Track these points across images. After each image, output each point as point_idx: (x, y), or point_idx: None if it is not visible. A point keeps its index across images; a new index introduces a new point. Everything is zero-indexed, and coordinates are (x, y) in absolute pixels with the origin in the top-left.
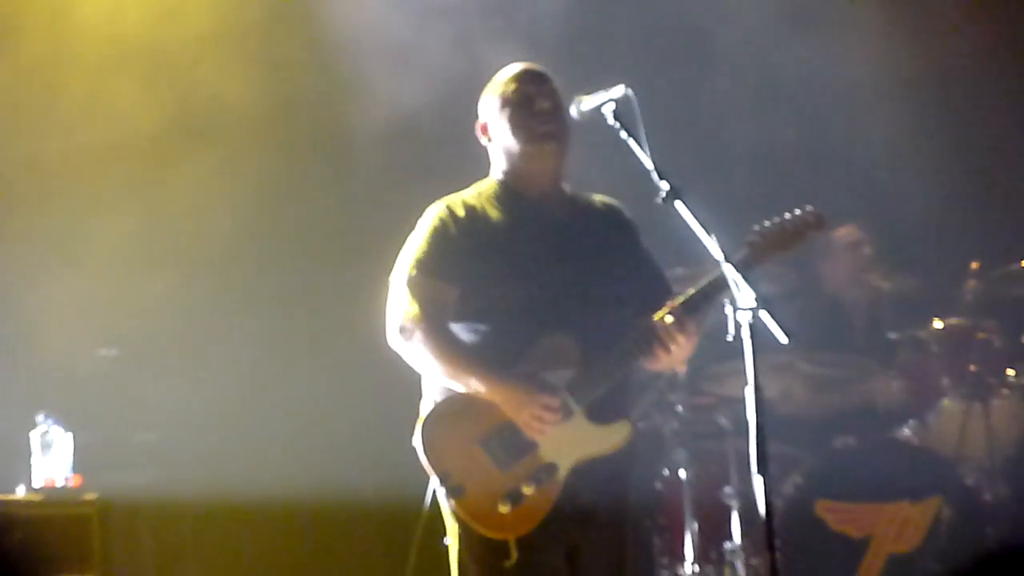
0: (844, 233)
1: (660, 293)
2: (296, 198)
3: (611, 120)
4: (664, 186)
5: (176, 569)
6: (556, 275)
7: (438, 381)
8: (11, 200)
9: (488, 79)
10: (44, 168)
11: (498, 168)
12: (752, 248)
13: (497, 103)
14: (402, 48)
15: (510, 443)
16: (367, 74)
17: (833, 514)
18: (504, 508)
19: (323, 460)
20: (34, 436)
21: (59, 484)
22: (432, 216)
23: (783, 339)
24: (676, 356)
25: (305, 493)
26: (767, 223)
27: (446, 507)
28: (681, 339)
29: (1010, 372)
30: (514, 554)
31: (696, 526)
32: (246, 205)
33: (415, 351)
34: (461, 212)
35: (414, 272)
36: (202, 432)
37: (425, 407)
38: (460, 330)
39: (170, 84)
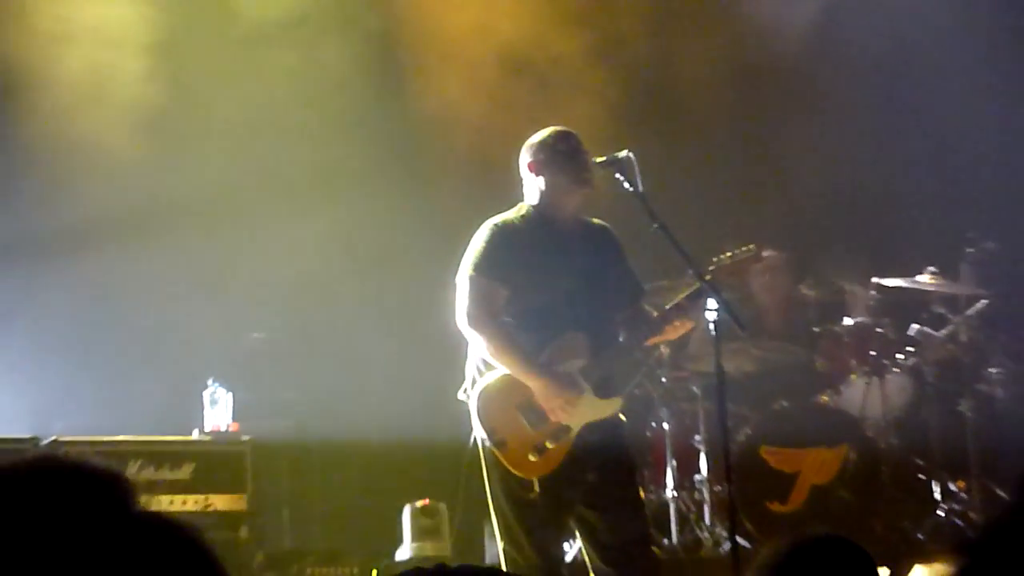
0: (770, 257)
1: (636, 294)
2: (382, 227)
3: (617, 174)
4: (655, 223)
5: (304, 492)
6: (573, 286)
7: (484, 356)
8: (182, 225)
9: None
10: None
11: (533, 196)
12: (715, 274)
13: (550, 152)
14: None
15: (539, 411)
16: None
17: (772, 456)
18: (533, 457)
19: (402, 413)
20: (206, 395)
21: (222, 429)
22: (486, 231)
23: (740, 331)
24: (669, 338)
25: (392, 437)
26: (724, 255)
27: (485, 452)
28: (671, 329)
29: (899, 356)
30: (536, 489)
31: (675, 463)
32: (358, 239)
33: (475, 336)
34: (508, 230)
35: (474, 273)
36: (324, 392)
37: (473, 374)
38: (506, 323)
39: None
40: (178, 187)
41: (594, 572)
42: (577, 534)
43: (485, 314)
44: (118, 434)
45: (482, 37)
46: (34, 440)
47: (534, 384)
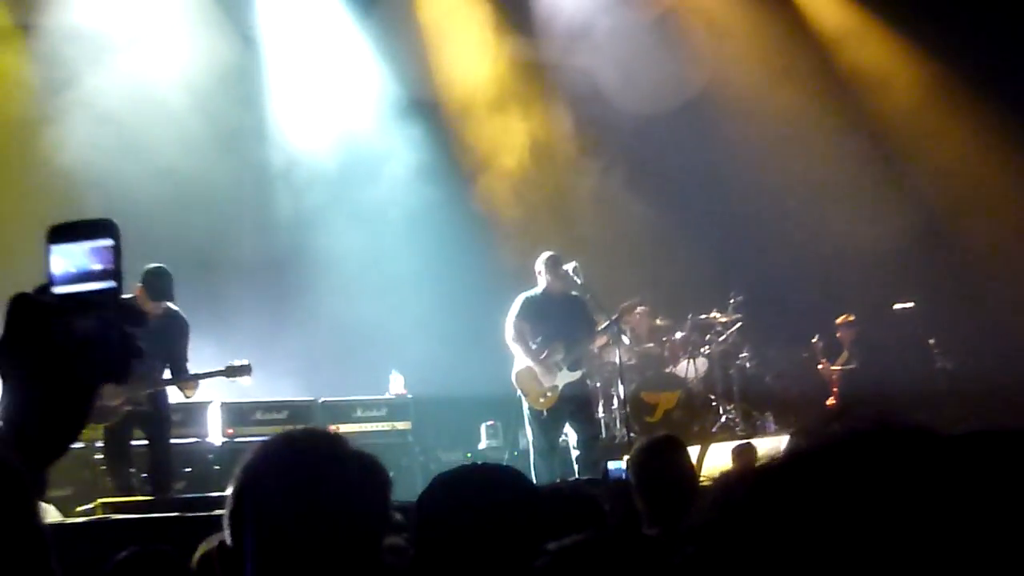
0: (641, 307)
1: (590, 325)
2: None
3: (571, 273)
4: (587, 293)
5: (437, 418)
6: (559, 323)
7: (520, 356)
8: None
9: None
10: None
11: (542, 286)
12: (618, 312)
13: (550, 264)
14: None
15: (540, 379)
16: None
17: (646, 396)
18: (542, 400)
19: (483, 379)
20: (391, 376)
21: (399, 392)
22: (521, 299)
23: (622, 340)
24: (599, 344)
25: (477, 391)
26: (623, 304)
27: (521, 399)
28: (599, 340)
29: (703, 349)
30: (545, 414)
31: (602, 401)
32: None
33: (514, 346)
34: (530, 298)
35: (515, 318)
36: (445, 367)
37: (516, 366)
38: (529, 342)
39: None
40: None
41: (575, 449)
42: (566, 433)
43: (518, 337)
44: (348, 396)
45: None
46: (312, 401)
47: (536, 367)
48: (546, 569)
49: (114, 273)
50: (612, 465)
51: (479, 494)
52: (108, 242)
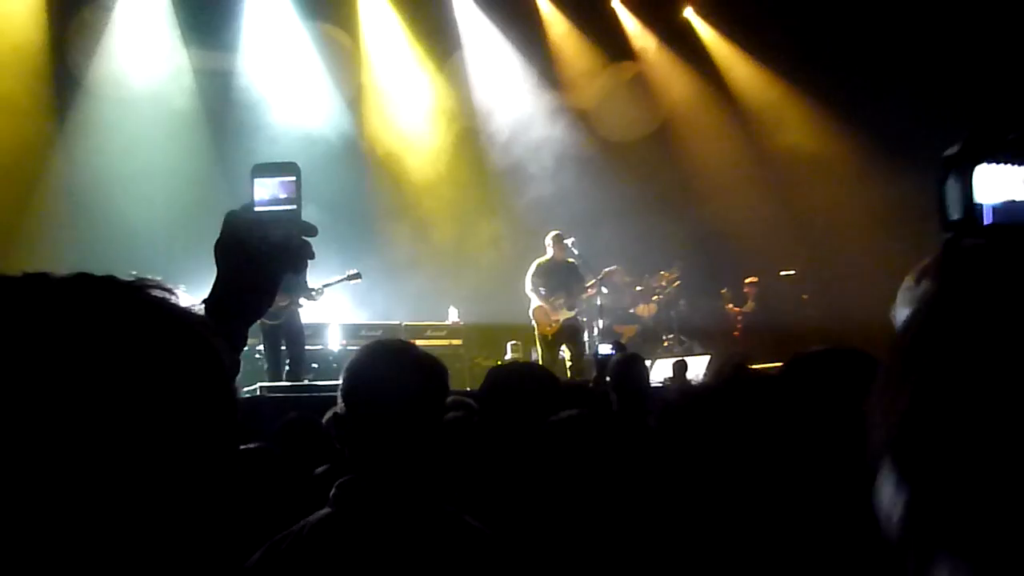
0: (617, 269)
1: (581, 282)
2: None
3: (570, 245)
4: (580, 259)
5: (481, 337)
6: (560, 280)
7: (535, 300)
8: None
9: None
10: None
11: (549, 254)
12: (605, 275)
13: (555, 239)
14: None
15: (548, 314)
16: None
17: (618, 328)
18: (548, 327)
19: (510, 311)
20: (450, 310)
21: (455, 319)
22: (535, 263)
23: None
24: (589, 295)
25: (507, 319)
26: (607, 269)
27: (536, 328)
28: (588, 292)
29: (654, 298)
30: (550, 337)
31: (587, 332)
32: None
33: (530, 292)
34: (542, 264)
35: (531, 275)
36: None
37: (531, 305)
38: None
39: None
40: None
41: (568, 361)
42: (563, 350)
43: (534, 287)
44: (421, 320)
45: None
46: (398, 324)
47: (546, 305)
48: (554, 427)
49: (296, 199)
50: (601, 349)
51: (521, 379)
52: (292, 178)
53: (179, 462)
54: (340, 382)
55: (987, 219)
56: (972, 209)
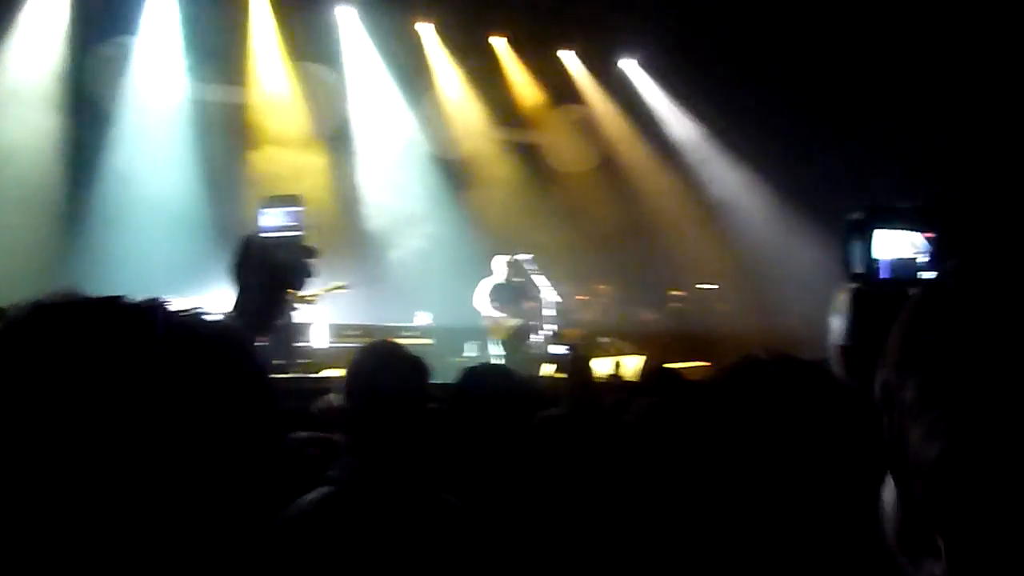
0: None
1: (527, 297)
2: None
3: (526, 264)
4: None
5: (443, 343)
6: (511, 297)
7: (488, 310)
8: None
9: None
10: None
11: (497, 273)
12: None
13: (505, 263)
14: None
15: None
16: None
17: (563, 331)
18: (500, 334)
19: (472, 313)
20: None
21: (426, 322)
22: (485, 283)
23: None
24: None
25: (468, 322)
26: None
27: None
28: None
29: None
30: (501, 340)
31: (539, 335)
32: None
33: (481, 308)
34: (491, 285)
35: (482, 294)
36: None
37: (483, 315)
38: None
39: None
40: None
41: (514, 362)
42: (510, 351)
43: (483, 302)
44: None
45: None
46: (376, 325)
47: (495, 315)
48: (540, 426)
49: (299, 226)
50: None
51: (493, 375)
52: (296, 208)
53: (232, 461)
54: (323, 376)
55: (883, 273)
56: (871, 264)
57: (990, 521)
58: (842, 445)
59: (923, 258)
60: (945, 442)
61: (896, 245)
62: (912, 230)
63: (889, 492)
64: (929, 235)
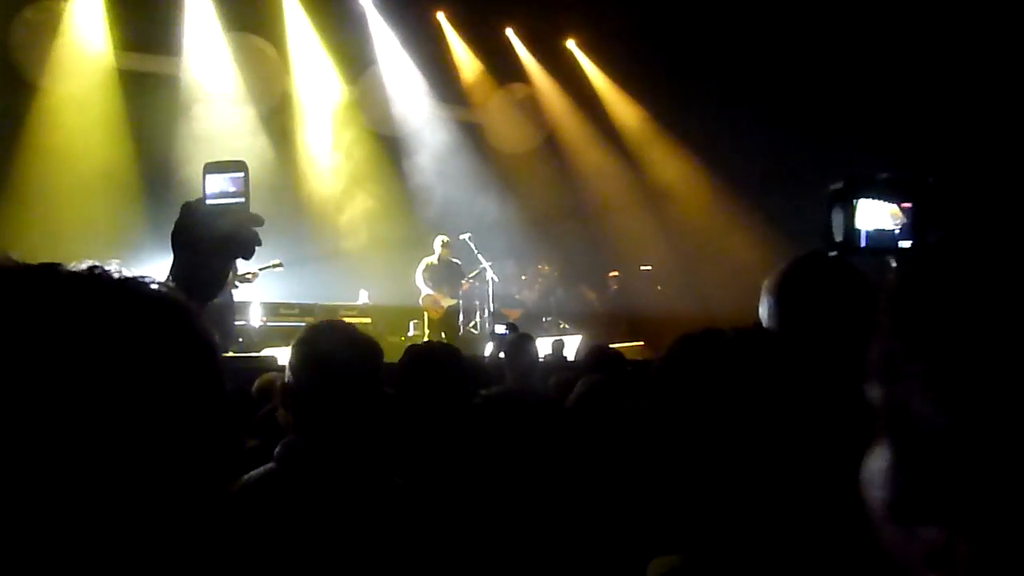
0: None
1: (462, 276)
2: None
3: (467, 241)
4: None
5: (381, 322)
6: (447, 276)
7: (425, 290)
8: None
9: None
10: None
11: (436, 253)
12: (490, 265)
13: (443, 242)
14: None
15: (437, 302)
16: None
17: (504, 310)
18: (435, 312)
19: (411, 293)
20: (360, 293)
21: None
22: (424, 263)
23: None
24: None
25: (406, 301)
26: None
27: (425, 313)
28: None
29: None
30: (436, 320)
31: (478, 313)
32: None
33: (422, 286)
34: (430, 264)
35: (421, 271)
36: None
37: (422, 294)
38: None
39: None
40: None
41: (449, 341)
42: (444, 331)
43: (422, 280)
44: (334, 301)
45: None
46: (314, 304)
47: (433, 294)
48: (481, 405)
49: (244, 193)
50: (497, 329)
51: (436, 355)
52: (240, 174)
53: (181, 438)
54: (261, 356)
55: (863, 242)
56: (851, 233)
57: (1003, 490)
58: (800, 414)
59: (898, 229)
60: (957, 412)
61: (875, 215)
62: (889, 201)
63: (881, 460)
64: (906, 205)
